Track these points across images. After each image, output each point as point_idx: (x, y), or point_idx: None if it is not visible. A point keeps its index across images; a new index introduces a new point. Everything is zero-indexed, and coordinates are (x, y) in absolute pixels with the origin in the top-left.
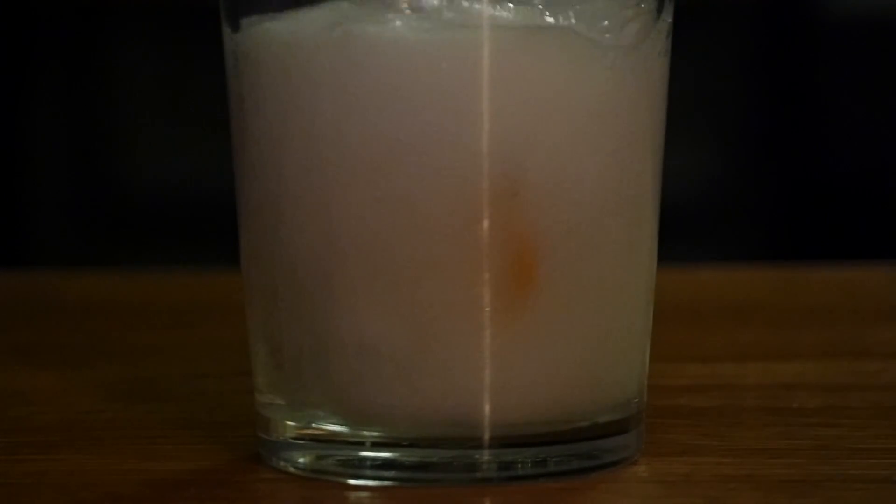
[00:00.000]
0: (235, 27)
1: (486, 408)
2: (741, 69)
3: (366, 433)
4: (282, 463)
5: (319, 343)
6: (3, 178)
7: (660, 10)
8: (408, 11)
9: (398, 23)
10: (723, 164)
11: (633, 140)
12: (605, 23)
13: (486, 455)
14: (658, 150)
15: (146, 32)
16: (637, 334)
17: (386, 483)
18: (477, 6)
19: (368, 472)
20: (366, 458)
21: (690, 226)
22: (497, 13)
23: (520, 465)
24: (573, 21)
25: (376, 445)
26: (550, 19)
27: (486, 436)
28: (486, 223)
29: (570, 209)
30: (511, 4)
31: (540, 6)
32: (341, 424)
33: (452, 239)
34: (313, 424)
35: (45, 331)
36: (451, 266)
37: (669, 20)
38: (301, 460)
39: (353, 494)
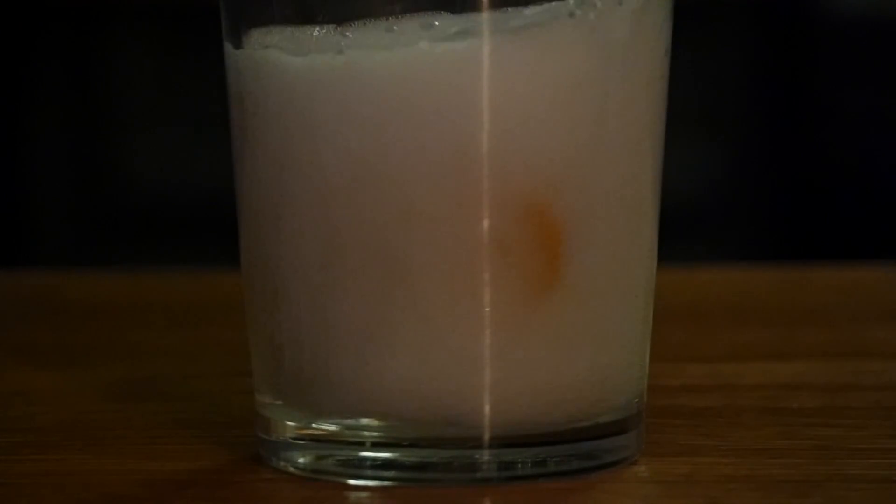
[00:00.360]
0: (237, 44)
1: (486, 408)
2: (741, 69)
3: (366, 433)
4: (282, 463)
5: (319, 343)
6: (3, 178)
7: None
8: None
9: (400, 46)
10: (723, 164)
11: (634, 140)
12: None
13: (486, 455)
14: (658, 149)
15: (146, 33)
16: (637, 334)
17: (386, 483)
18: (475, 17)
19: (368, 472)
20: (366, 458)
21: (690, 226)
22: (494, 21)
23: (520, 465)
24: (569, 15)
25: (376, 445)
26: (547, 20)
27: (486, 436)
28: (486, 223)
29: (570, 211)
30: (508, 18)
31: (536, 8)
32: (341, 424)
33: (453, 239)
34: (313, 424)
35: (45, 331)
36: (452, 267)
37: (670, 20)
38: (301, 460)
39: (353, 494)
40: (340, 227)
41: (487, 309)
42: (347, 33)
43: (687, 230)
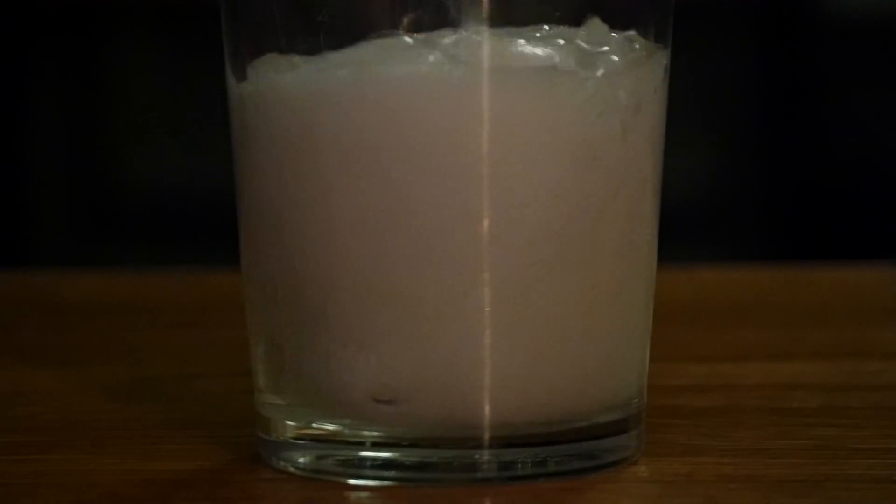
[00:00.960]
0: (241, 77)
1: (486, 408)
2: (741, 69)
3: (366, 433)
4: (282, 463)
5: (319, 343)
6: (3, 178)
7: (657, 37)
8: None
9: (402, 65)
10: (722, 165)
11: (634, 152)
12: (601, 54)
13: (486, 455)
14: (658, 153)
15: (146, 33)
16: (637, 334)
17: (386, 483)
18: (476, 45)
19: (368, 472)
20: (366, 458)
21: (690, 226)
22: (496, 53)
23: (520, 465)
24: (571, 57)
25: (376, 445)
26: (547, 57)
27: (486, 436)
28: (486, 223)
29: (569, 213)
30: (510, 41)
31: (538, 42)
32: (341, 424)
33: (452, 239)
34: (313, 424)
35: (45, 331)
36: (451, 267)
37: (668, 50)
38: (301, 460)
39: (353, 494)
40: (340, 228)
41: (487, 309)
42: (350, 51)
43: (687, 230)
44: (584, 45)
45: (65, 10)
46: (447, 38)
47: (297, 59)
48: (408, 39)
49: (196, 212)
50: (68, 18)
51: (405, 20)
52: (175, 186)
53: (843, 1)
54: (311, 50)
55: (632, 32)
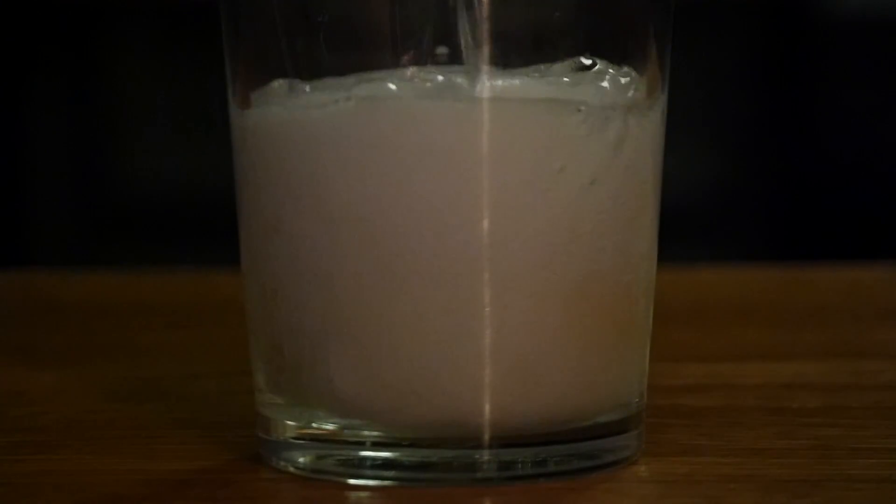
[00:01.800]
0: (245, 105)
1: (486, 408)
2: (741, 69)
3: (366, 433)
4: (282, 463)
5: (319, 343)
6: (3, 178)
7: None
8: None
9: (402, 94)
10: (723, 164)
11: (634, 170)
12: (603, 87)
13: (486, 455)
14: (658, 159)
15: (146, 33)
16: (637, 334)
17: (386, 483)
18: (476, 76)
19: (368, 472)
20: (366, 458)
21: (690, 226)
22: (496, 85)
23: (520, 465)
24: (565, 86)
25: (376, 445)
26: (545, 87)
27: (486, 436)
28: (486, 223)
29: (570, 219)
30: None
31: (536, 74)
32: (341, 424)
33: (452, 239)
34: (313, 424)
35: (45, 331)
36: (451, 266)
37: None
38: (301, 460)
39: (353, 494)
40: (340, 229)
41: (487, 309)
42: (353, 82)
43: (687, 230)
44: (577, 75)
45: (65, 10)
46: (446, 71)
47: (299, 84)
48: (406, 72)
49: (196, 212)
50: (69, 19)
51: (405, 48)
52: (175, 187)
53: (843, 1)
54: (313, 70)
55: (629, 69)
